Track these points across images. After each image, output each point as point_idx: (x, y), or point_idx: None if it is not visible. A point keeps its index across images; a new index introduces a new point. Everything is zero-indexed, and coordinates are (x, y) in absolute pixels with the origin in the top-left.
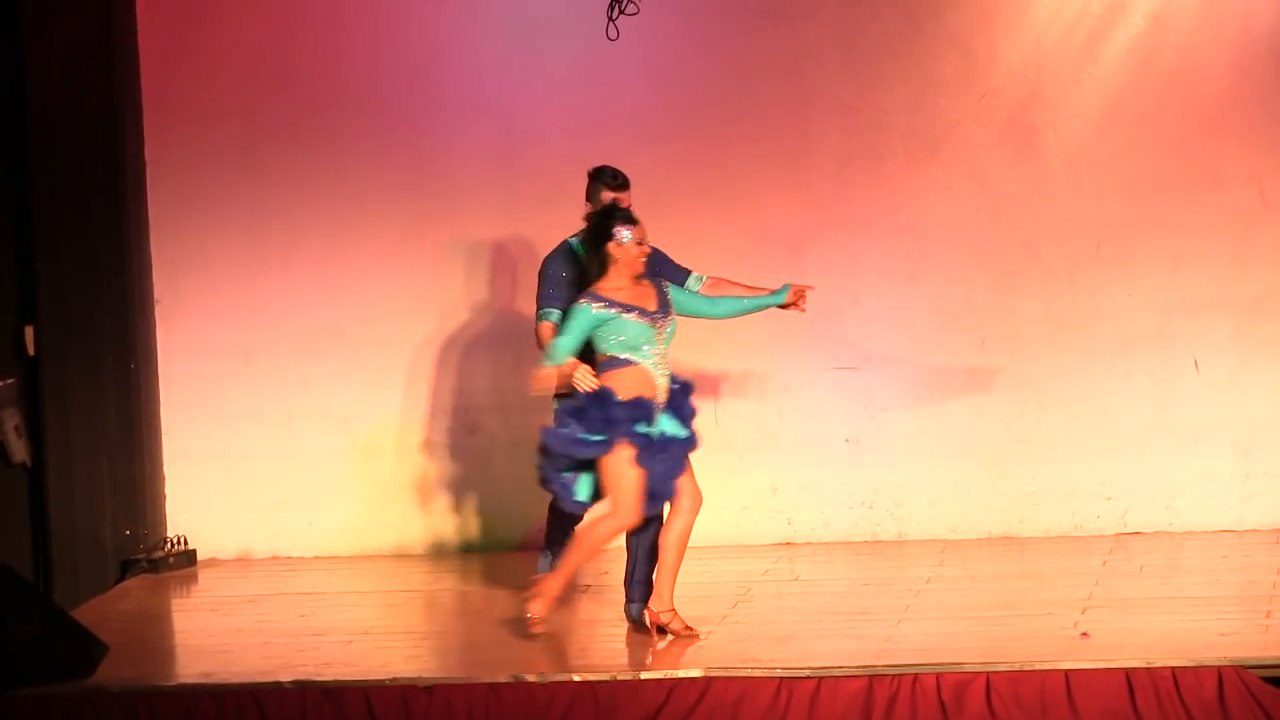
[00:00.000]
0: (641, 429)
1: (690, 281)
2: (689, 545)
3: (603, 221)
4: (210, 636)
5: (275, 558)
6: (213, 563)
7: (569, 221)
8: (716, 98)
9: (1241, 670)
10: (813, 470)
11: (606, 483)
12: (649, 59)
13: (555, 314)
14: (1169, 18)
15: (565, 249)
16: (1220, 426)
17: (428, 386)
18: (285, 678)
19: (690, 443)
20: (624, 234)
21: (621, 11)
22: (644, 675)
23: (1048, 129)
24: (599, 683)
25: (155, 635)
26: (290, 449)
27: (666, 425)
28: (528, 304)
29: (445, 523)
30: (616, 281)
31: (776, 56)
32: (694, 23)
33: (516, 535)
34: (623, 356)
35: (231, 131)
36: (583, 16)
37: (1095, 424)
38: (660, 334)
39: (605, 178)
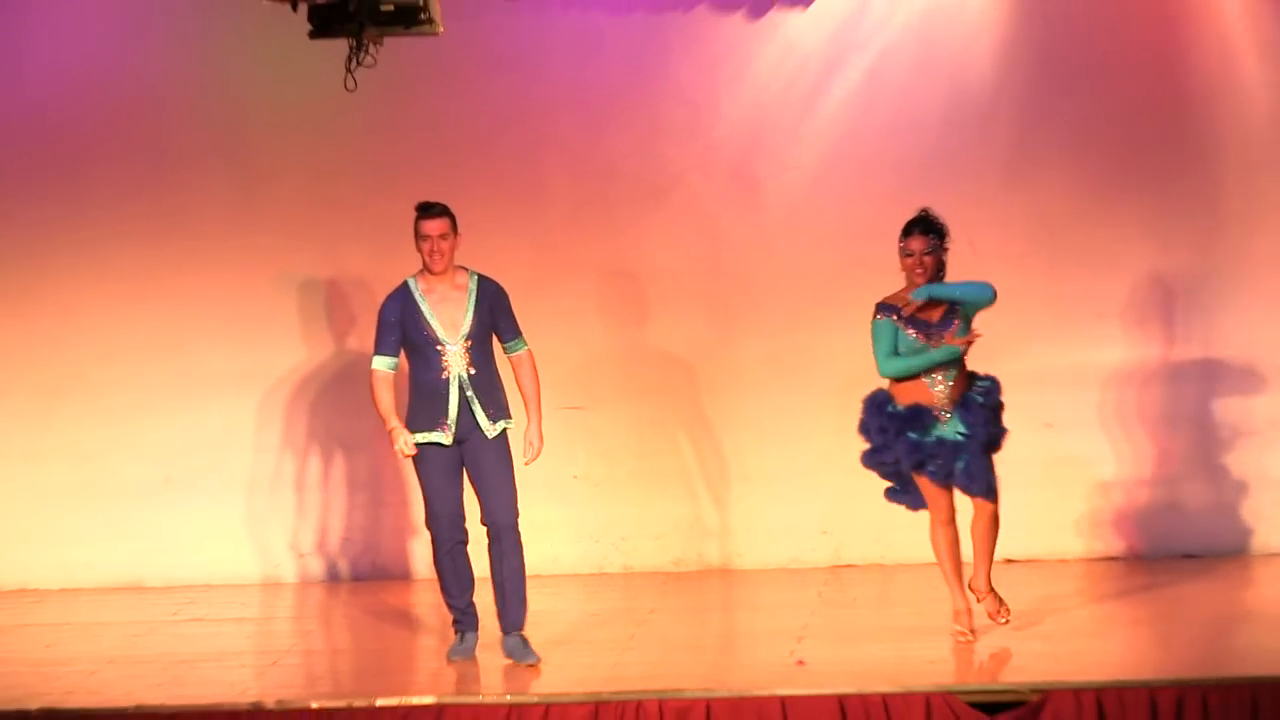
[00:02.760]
0: (914, 435)
1: (512, 344)
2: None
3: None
4: None
5: (21, 590)
6: None
7: (303, 261)
8: (451, 145)
9: (948, 695)
10: (542, 506)
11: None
12: (385, 109)
13: (383, 361)
14: (884, 73)
15: (403, 290)
16: None
17: (167, 423)
18: (31, 705)
19: (957, 446)
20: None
21: (359, 64)
22: (379, 702)
23: (769, 180)
24: (335, 709)
25: None
26: (34, 486)
27: (947, 429)
28: (261, 343)
29: (188, 556)
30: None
31: (509, 106)
32: (429, 74)
33: (263, 569)
34: None
35: None
36: (321, 67)
37: (814, 462)
38: (937, 337)
39: (417, 209)
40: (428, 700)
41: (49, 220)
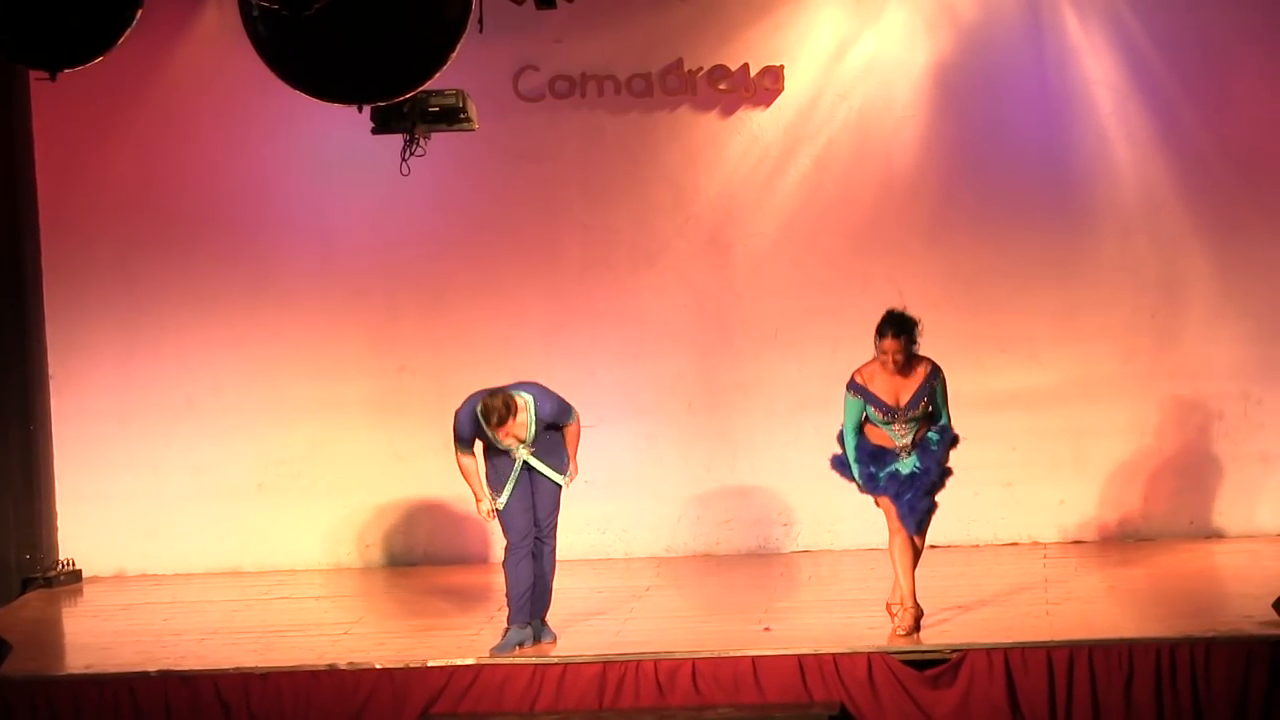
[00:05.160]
0: (871, 469)
1: (566, 423)
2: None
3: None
4: (93, 637)
5: (144, 575)
6: (95, 579)
7: (369, 310)
8: (485, 219)
9: (885, 655)
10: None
11: None
12: (433, 189)
13: (463, 453)
14: (829, 160)
15: (474, 416)
16: None
17: (261, 440)
18: (151, 668)
19: (911, 480)
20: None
21: (412, 154)
22: (430, 663)
23: (738, 243)
24: (395, 669)
25: (49, 637)
26: (156, 491)
27: (903, 466)
28: (335, 376)
29: (278, 546)
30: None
31: (531, 187)
32: (467, 162)
33: (337, 556)
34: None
35: (109, 246)
36: (382, 157)
37: (774, 468)
38: (902, 419)
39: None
40: (468, 661)
41: (169, 278)
